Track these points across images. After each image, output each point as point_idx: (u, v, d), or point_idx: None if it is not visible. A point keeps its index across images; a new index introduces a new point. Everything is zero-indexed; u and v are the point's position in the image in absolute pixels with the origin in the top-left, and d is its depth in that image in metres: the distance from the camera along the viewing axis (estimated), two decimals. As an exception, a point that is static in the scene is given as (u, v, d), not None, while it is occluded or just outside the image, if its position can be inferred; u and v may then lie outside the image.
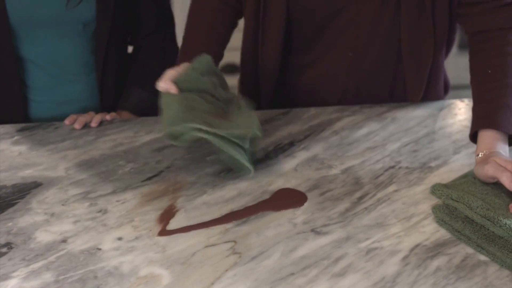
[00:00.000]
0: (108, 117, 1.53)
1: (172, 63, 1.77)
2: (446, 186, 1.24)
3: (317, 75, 1.59)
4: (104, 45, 1.59)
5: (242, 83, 1.72)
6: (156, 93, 1.75)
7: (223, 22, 1.56)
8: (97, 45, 1.59)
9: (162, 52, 1.75)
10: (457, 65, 3.51)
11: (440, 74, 1.61)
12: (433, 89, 1.61)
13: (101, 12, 1.54)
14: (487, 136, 1.29)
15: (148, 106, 1.71)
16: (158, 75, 1.75)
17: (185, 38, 1.55)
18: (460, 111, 1.59)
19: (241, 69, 1.70)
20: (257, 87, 1.63)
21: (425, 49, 1.51)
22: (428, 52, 1.52)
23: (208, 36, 1.53)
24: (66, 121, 1.50)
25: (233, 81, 3.22)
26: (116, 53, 1.66)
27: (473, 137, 1.33)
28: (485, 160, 1.23)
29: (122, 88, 1.71)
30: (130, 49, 1.77)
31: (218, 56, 1.53)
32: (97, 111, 1.64)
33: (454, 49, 3.29)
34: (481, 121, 1.31)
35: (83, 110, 1.60)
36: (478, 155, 1.28)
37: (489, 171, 1.20)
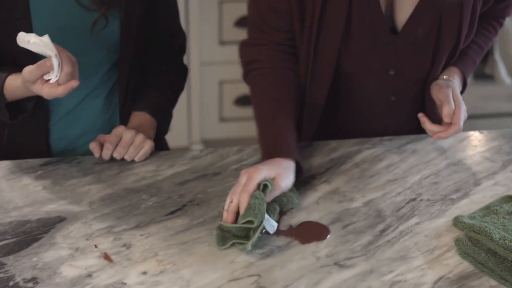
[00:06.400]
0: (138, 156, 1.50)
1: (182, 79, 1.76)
2: (468, 218, 1.24)
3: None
4: (126, 73, 1.58)
5: None
6: (171, 100, 1.72)
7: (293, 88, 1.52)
8: (119, 76, 1.59)
9: (171, 65, 1.73)
10: (473, 94, 3.52)
11: None
12: None
13: (125, 35, 1.53)
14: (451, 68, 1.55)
15: (164, 110, 1.68)
16: (171, 83, 1.73)
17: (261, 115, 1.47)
18: (480, 142, 1.59)
19: None
20: (300, 120, 1.62)
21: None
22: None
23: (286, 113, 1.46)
24: (96, 154, 1.49)
25: (247, 112, 3.19)
26: (135, 82, 1.65)
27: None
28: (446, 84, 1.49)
29: None
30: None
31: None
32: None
33: (470, 79, 3.30)
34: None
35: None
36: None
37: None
